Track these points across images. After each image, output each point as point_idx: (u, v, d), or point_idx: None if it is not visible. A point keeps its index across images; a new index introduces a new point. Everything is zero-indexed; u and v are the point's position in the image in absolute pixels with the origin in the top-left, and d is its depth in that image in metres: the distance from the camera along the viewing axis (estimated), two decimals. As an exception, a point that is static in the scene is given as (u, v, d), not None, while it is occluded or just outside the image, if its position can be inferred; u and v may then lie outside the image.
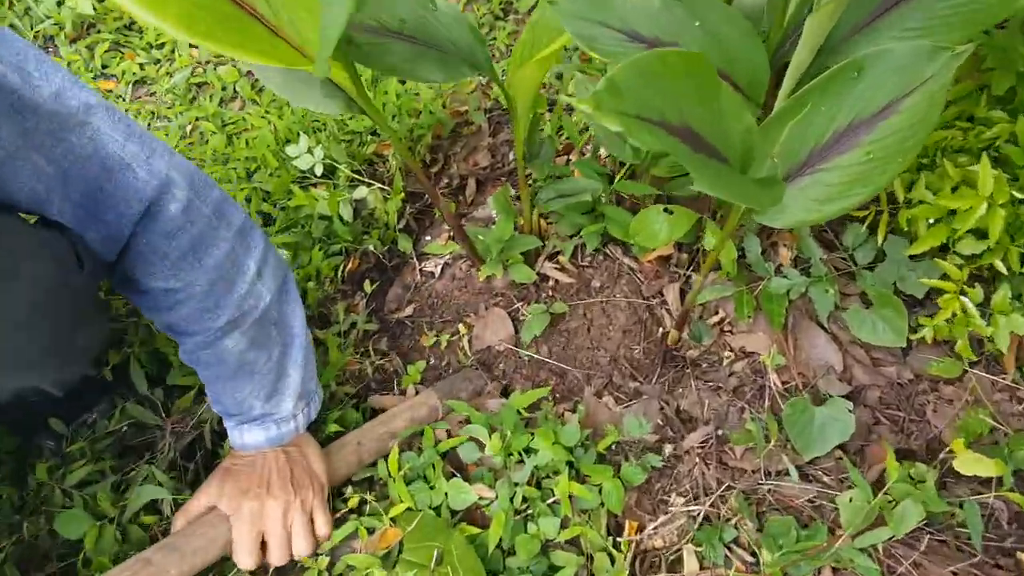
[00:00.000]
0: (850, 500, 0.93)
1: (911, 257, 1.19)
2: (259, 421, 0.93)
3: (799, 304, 1.22)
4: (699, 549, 0.95)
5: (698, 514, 0.99)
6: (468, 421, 1.03)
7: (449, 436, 1.04)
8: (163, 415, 1.05)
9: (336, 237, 1.30)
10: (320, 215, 1.30)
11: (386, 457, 1.01)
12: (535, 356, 1.18)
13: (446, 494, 0.95)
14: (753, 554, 0.96)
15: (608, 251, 1.27)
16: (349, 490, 0.99)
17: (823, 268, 1.21)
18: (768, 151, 0.83)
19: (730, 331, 1.22)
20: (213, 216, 0.83)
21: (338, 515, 0.98)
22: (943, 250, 1.12)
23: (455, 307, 1.26)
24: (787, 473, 1.04)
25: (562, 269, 1.25)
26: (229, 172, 1.41)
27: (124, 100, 1.69)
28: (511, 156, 1.53)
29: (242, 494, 0.91)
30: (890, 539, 0.92)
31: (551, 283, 1.25)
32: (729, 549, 0.96)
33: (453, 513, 0.96)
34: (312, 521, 0.94)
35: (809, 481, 1.03)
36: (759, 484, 1.03)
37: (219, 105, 1.66)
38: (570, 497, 0.95)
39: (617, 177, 1.17)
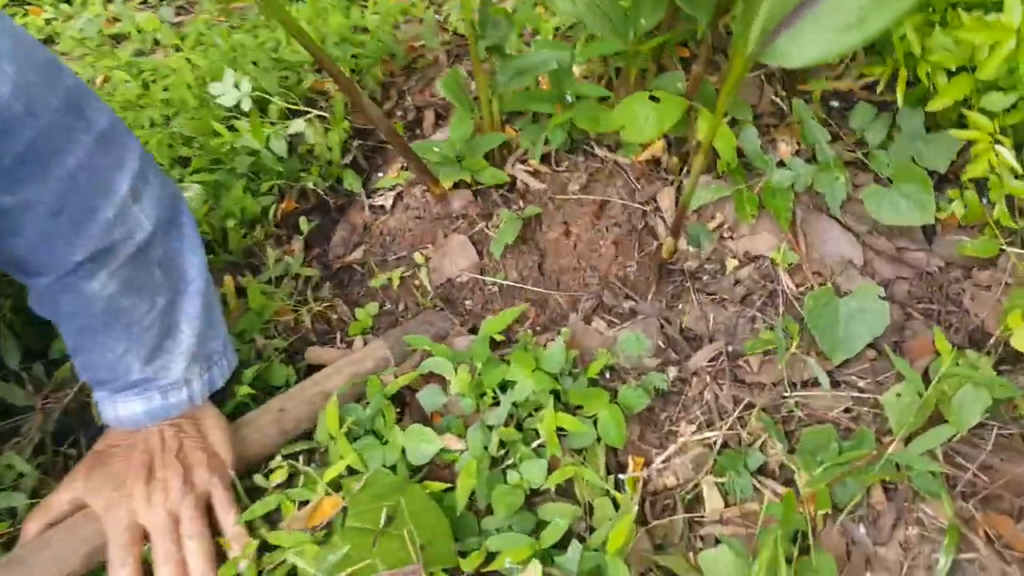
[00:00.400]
0: (897, 397, 0.77)
1: (928, 131, 1.03)
2: (137, 389, 0.73)
3: (805, 199, 1.06)
4: (721, 481, 0.78)
5: (715, 442, 0.82)
6: (428, 356, 0.85)
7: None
8: (36, 390, 0.85)
9: (267, 173, 1.12)
10: (245, 149, 1.12)
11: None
12: (507, 283, 1.01)
13: (403, 450, 0.77)
14: (787, 483, 0.79)
15: (594, 151, 1.10)
16: (277, 459, 0.79)
17: (830, 153, 1.04)
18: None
19: (730, 236, 1.05)
20: (65, 111, 0.63)
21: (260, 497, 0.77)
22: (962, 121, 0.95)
23: (410, 240, 1.08)
24: (815, 383, 0.87)
25: (535, 173, 1.07)
26: (141, 118, 1.22)
27: (27, 61, 1.50)
28: (472, 86, 1.35)
29: (115, 485, 0.70)
30: (950, 440, 0.76)
31: (522, 189, 1.08)
32: (757, 480, 0.79)
33: (415, 472, 0.78)
34: (210, 509, 0.73)
35: (841, 389, 0.87)
36: (784, 398, 0.86)
37: (136, 57, 1.47)
38: (559, 433, 0.78)
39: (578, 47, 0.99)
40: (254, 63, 1.33)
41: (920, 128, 1.02)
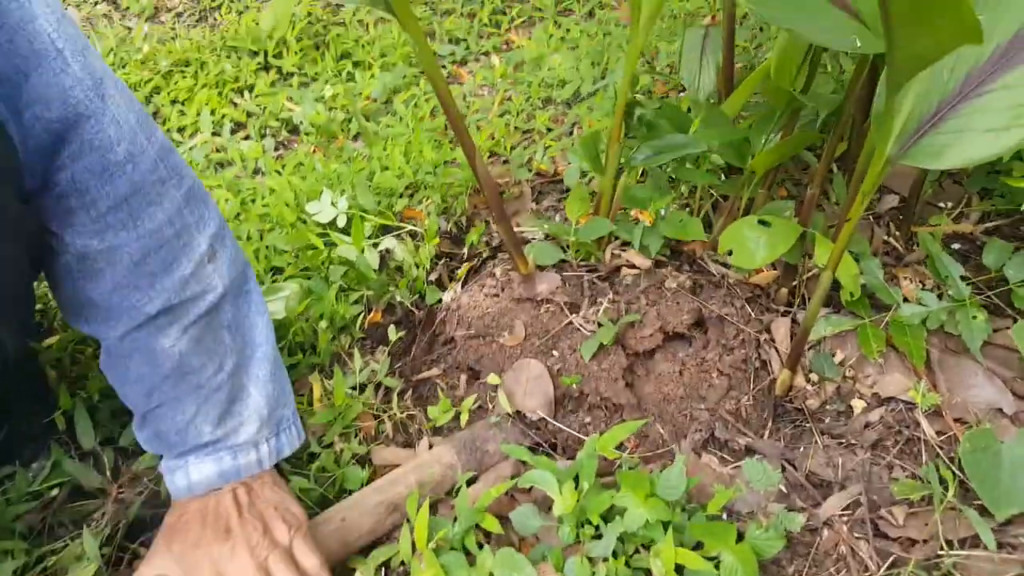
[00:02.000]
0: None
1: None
2: (209, 449, 0.69)
3: (937, 339, 0.96)
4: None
5: (859, 601, 0.69)
6: (523, 470, 0.75)
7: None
8: (109, 477, 0.79)
9: (357, 284, 1.09)
10: (340, 259, 1.10)
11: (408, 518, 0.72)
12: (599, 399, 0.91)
13: (491, 574, 0.66)
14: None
15: (708, 267, 1.03)
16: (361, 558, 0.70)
17: (965, 289, 0.96)
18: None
19: (853, 376, 0.95)
20: (159, 162, 0.63)
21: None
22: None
23: (487, 322, 1.00)
24: (975, 541, 0.74)
25: (632, 265, 1.02)
26: (239, 231, 1.22)
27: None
28: (558, 220, 1.32)
29: (194, 547, 0.65)
30: None
31: (614, 280, 1.02)
32: (915, 649, 0.65)
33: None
34: (295, 562, 0.67)
35: (1007, 551, 0.73)
36: (939, 556, 0.73)
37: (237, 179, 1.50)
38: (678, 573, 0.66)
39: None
40: (352, 184, 1.34)
41: (1068, 268, 0.94)
